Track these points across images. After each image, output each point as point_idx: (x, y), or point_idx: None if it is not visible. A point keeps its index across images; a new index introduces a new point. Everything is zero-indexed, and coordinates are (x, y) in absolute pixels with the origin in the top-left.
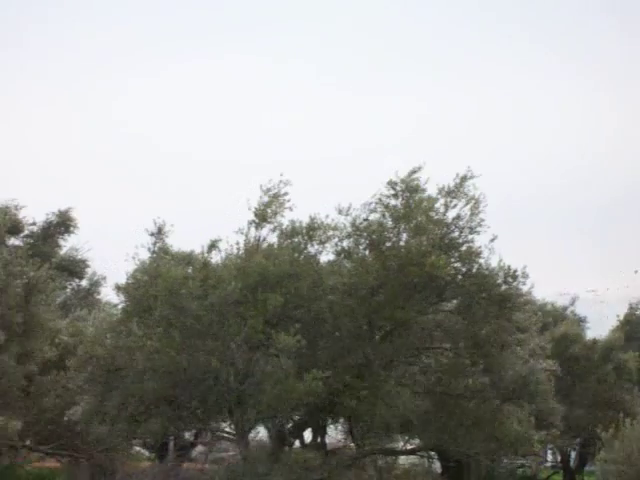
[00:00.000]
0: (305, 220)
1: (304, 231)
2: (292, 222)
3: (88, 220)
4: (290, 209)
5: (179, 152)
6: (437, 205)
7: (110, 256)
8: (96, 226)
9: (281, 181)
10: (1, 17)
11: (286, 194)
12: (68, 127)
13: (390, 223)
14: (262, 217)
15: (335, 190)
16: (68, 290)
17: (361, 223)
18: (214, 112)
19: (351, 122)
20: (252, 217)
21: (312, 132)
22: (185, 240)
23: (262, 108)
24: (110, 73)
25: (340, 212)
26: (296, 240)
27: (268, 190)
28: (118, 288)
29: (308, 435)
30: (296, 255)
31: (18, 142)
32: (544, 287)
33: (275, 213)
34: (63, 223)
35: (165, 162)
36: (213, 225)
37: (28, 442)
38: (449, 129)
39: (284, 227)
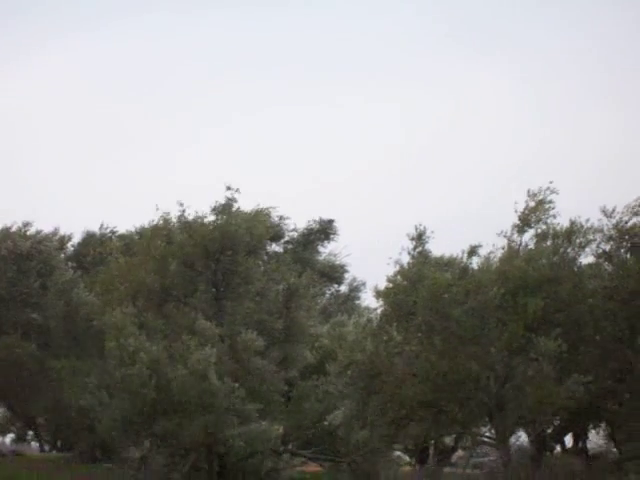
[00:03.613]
0: (565, 224)
1: (563, 234)
2: (551, 225)
3: (346, 224)
4: (554, 217)
5: (445, 156)
6: None
7: (369, 261)
8: (354, 231)
9: (548, 188)
10: None
11: (551, 202)
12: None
13: None
14: (526, 222)
15: (600, 191)
16: (328, 295)
17: (623, 226)
18: None
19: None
20: (516, 221)
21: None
22: (442, 241)
23: None
24: None
25: (605, 214)
26: (555, 243)
27: (535, 195)
28: (378, 293)
29: (569, 440)
30: (555, 258)
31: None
32: None
33: (539, 220)
34: (323, 230)
35: (428, 167)
36: (472, 225)
37: (290, 446)
38: None
39: (541, 229)
